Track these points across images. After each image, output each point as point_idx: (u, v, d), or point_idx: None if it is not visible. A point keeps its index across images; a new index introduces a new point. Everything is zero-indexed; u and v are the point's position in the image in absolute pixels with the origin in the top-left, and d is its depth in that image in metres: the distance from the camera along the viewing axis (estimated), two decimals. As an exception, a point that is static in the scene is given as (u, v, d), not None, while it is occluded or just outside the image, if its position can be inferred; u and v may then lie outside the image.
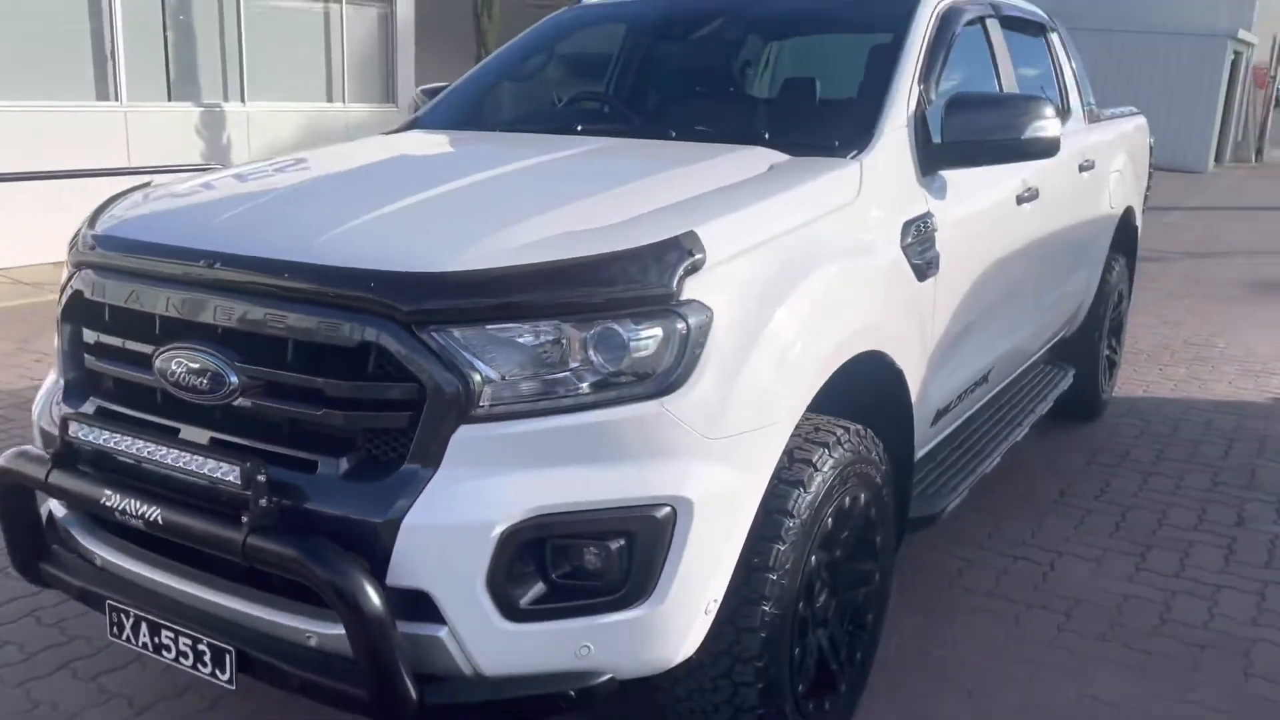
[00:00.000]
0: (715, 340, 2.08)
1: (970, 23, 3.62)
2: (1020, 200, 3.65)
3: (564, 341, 1.99)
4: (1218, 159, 24.13)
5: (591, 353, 2.00)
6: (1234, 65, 23.68)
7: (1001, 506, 4.20)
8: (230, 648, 2.12)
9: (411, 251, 2.07)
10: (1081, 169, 4.44)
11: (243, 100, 10.62)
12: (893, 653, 3.09)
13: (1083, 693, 2.96)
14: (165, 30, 9.92)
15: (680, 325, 2.04)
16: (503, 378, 1.97)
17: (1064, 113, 4.50)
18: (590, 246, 2.05)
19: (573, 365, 2.00)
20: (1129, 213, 5.28)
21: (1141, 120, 5.78)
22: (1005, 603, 3.46)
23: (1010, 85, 3.86)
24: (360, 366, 2.01)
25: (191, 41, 10.24)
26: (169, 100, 10.02)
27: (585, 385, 2.00)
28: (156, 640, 2.22)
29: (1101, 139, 4.88)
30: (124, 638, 2.28)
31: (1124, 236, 5.28)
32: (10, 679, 2.89)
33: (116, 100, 9.48)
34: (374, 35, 12.21)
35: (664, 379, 2.03)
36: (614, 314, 2.00)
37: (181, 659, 2.19)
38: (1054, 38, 4.68)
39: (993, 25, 3.86)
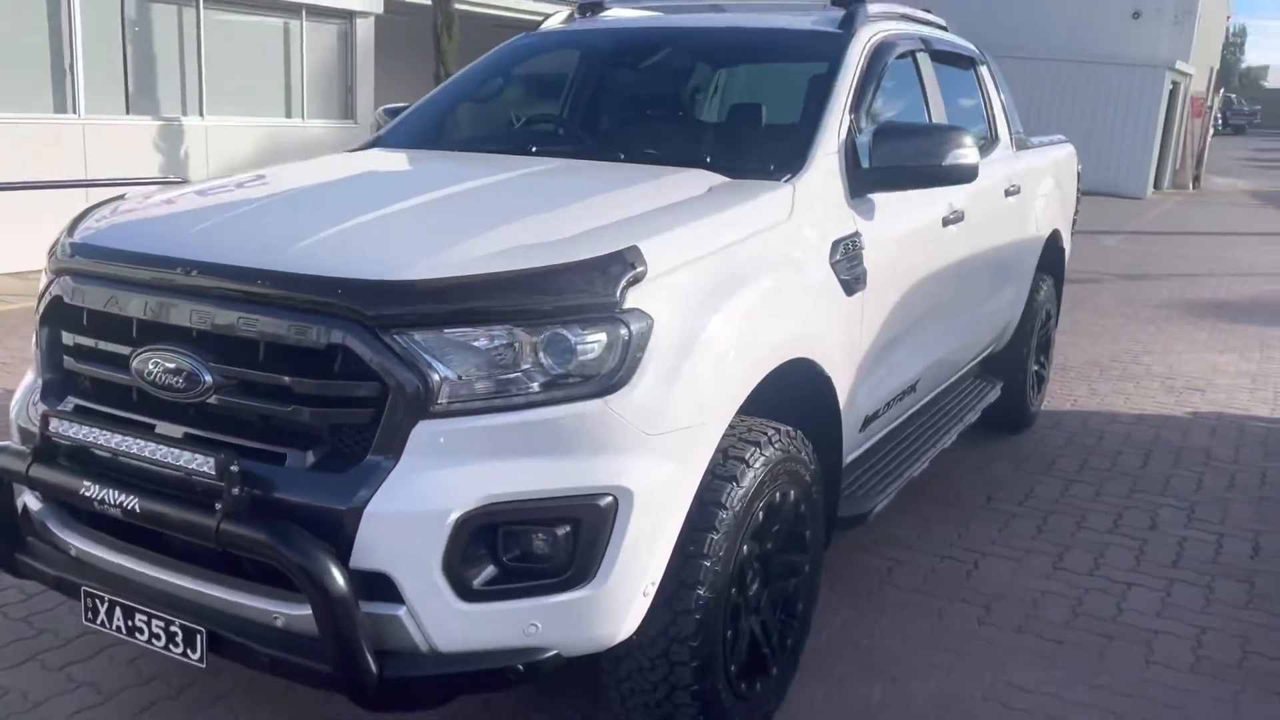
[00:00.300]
0: (655, 345, 2.29)
1: (901, 56, 3.88)
2: (946, 222, 3.89)
3: (516, 345, 2.18)
4: (1157, 185, 24.85)
5: (541, 355, 2.20)
6: (1172, 95, 24.47)
7: (931, 511, 4.44)
8: (201, 629, 2.27)
9: (377, 261, 2.26)
10: (1008, 194, 4.71)
11: (201, 114, 10.69)
12: (824, 643, 3.30)
13: (998, 678, 3.19)
14: (124, 43, 9.98)
15: (623, 331, 2.24)
16: (459, 377, 2.16)
17: (992, 141, 4.78)
18: (542, 258, 2.25)
19: (524, 367, 2.19)
20: (1055, 235, 5.56)
21: (1069, 148, 6.09)
22: (930, 598, 3.68)
23: (940, 115, 4.12)
24: (328, 366, 2.19)
25: (151, 55, 10.30)
26: (127, 113, 10.07)
27: (535, 385, 2.19)
28: (130, 624, 2.36)
29: (1029, 166, 5.16)
30: (99, 622, 2.41)
31: (1051, 258, 5.57)
32: (-20, 669, 3.01)
33: (74, 113, 9.51)
34: (333, 51, 12.33)
35: (608, 380, 2.23)
36: (562, 320, 2.20)
37: (154, 641, 2.33)
38: (983, 70, 4.96)
39: (923, 59, 4.12)
